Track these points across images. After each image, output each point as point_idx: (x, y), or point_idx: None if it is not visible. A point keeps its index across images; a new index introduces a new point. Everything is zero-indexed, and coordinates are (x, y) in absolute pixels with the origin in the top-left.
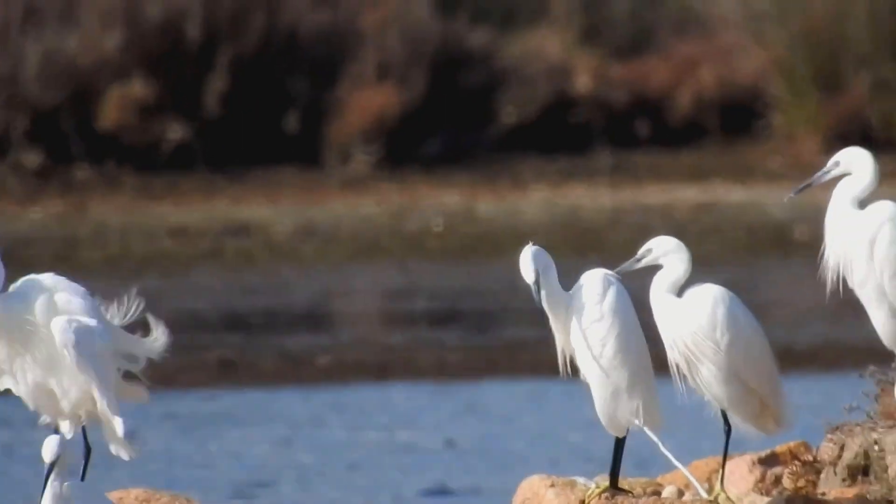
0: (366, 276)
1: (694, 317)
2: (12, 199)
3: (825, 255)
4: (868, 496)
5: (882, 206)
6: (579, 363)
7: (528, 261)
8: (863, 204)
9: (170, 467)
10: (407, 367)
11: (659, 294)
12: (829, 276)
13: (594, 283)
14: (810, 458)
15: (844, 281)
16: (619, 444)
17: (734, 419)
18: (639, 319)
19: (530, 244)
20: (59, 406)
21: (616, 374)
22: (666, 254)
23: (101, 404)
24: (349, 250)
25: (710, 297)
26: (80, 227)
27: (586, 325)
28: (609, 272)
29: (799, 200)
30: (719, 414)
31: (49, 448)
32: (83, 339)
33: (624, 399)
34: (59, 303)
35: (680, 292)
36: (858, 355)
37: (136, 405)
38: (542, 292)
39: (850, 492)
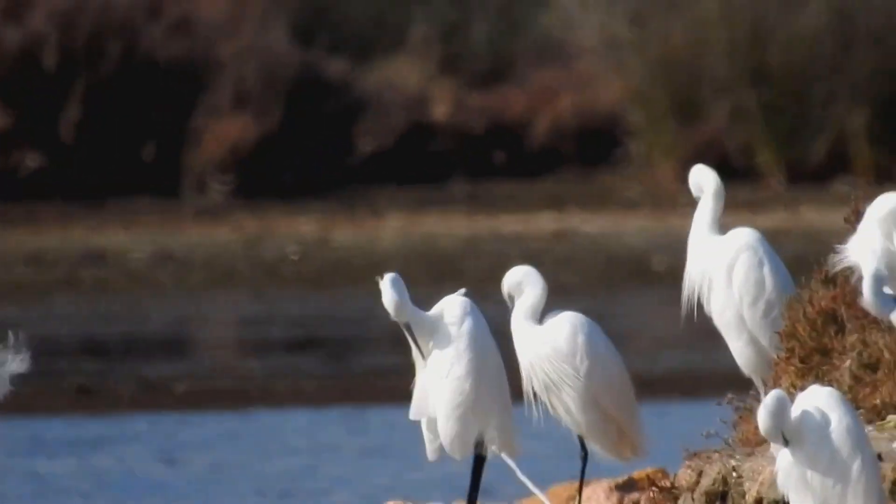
0: (222, 304)
1: (553, 343)
2: None
3: (685, 281)
4: None
5: (740, 233)
6: (430, 386)
7: (387, 288)
8: (724, 228)
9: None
10: (264, 394)
11: (518, 321)
12: (687, 303)
13: (454, 306)
14: (668, 485)
15: (702, 307)
16: (478, 469)
17: (591, 445)
18: (503, 349)
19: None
20: None
21: (465, 397)
22: (519, 283)
23: None
24: (205, 278)
25: (569, 324)
26: None
27: (442, 346)
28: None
29: (656, 229)
30: (576, 440)
31: None
32: None
33: (471, 422)
34: None
35: (541, 320)
36: (716, 383)
37: None
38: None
39: None
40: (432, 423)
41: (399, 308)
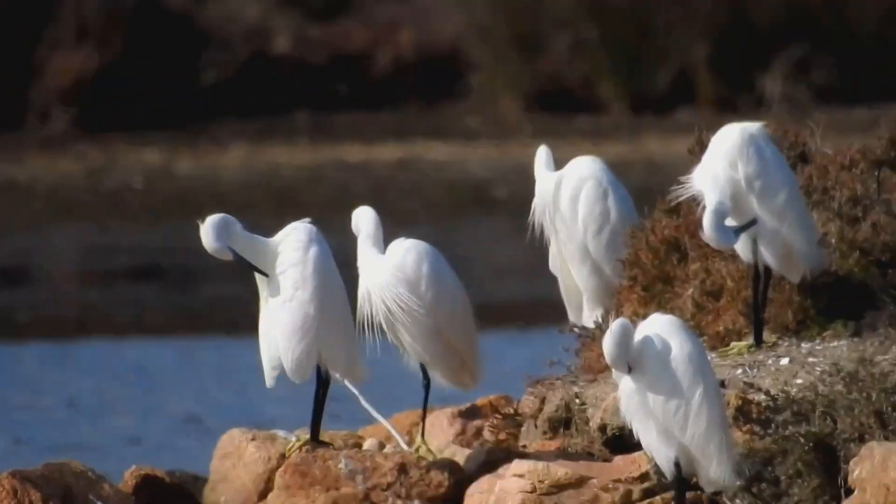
0: (65, 234)
1: (398, 271)
2: None
3: (532, 211)
4: (569, 449)
5: (582, 163)
6: (271, 309)
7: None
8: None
9: None
10: (105, 324)
11: (362, 250)
12: (532, 232)
13: (299, 231)
14: (511, 412)
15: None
16: (321, 395)
17: (433, 373)
18: (346, 279)
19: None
20: None
21: (309, 321)
22: (356, 223)
23: None
24: (48, 208)
25: (414, 252)
26: None
27: (286, 270)
28: (312, 226)
29: (498, 159)
30: (418, 368)
31: None
32: None
33: (314, 346)
34: None
35: (386, 250)
36: (559, 311)
37: None
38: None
39: (552, 445)
40: (273, 346)
41: (217, 252)
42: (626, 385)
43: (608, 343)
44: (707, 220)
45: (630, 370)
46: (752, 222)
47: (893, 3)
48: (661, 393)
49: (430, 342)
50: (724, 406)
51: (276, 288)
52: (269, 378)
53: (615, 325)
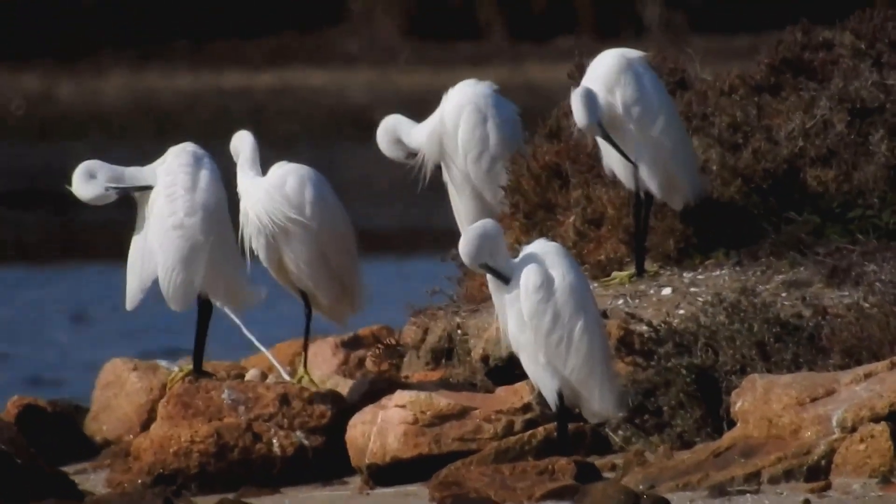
0: None
1: (281, 194)
2: None
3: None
4: (451, 379)
5: (462, 90)
6: (151, 229)
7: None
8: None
9: None
10: None
11: (242, 173)
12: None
13: (185, 154)
14: (393, 342)
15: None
16: (203, 322)
17: (314, 303)
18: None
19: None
20: None
21: (197, 246)
22: (235, 146)
23: None
24: None
25: (296, 175)
26: None
27: (173, 191)
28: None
29: (377, 83)
30: (299, 297)
31: None
32: None
33: (199, 272)
34: None
35: (267, 172)
36: (440, 240)
37: None
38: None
39: (434, 375)
40: (148, 268)
41: (97, 201)
42: (512, 314)
43: (463, 246)
44: (575, 98)
45: (507, 281)
46: (627, 158)
47: None
48: (543, 323)
49: (313, 266)
50: (606, 337)
51: (157, 206)
52: (133, 300)
53: (471, 229)
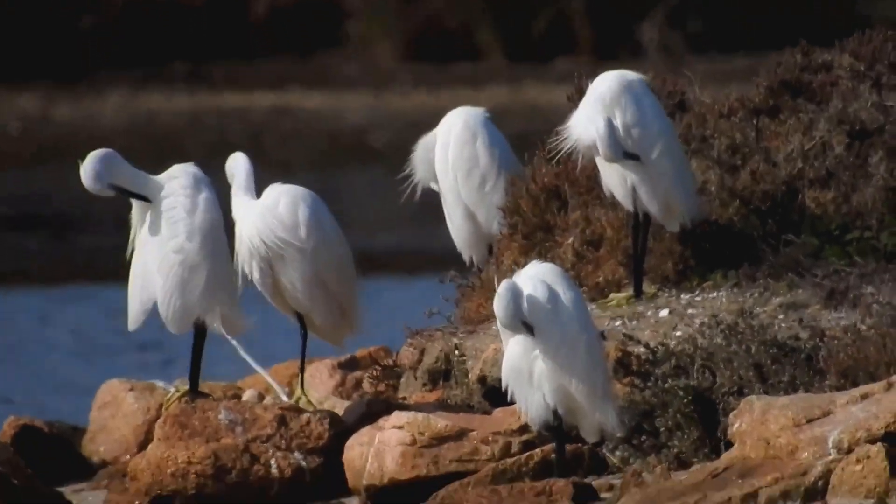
0: None
1: (275, 216)
2: None
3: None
4: (448, 400)
5: (454, 112)
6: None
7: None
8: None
9: None
10: None
11: (236, 197)
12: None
13: (186, 175)
14: (390, 363)
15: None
16: (199, 345)
17: (311, 325)
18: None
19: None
20: None
21: (196, 270)
22: (230, 168)
23: None
24: None
25: (290, 196)
26: None
27: (173, 213)
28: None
29: (374, 107)
30: (296, 319)
31: None
32: None
33: (197, 295)
34: None
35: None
36: (437, 261)
37: None
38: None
39: (431, 396)
40: (148, 289)
41: (97, 192)
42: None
43: (499, 308)
44: (602, 133)
45: (531, 330)
46: (636, 157)
47: None
48: (551, 343)
49: (310, 288)
50: (604, 358)
51: (157, 228)
52: (135, 321)
53: (502, 288)
